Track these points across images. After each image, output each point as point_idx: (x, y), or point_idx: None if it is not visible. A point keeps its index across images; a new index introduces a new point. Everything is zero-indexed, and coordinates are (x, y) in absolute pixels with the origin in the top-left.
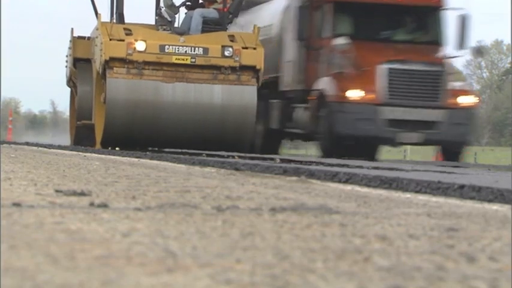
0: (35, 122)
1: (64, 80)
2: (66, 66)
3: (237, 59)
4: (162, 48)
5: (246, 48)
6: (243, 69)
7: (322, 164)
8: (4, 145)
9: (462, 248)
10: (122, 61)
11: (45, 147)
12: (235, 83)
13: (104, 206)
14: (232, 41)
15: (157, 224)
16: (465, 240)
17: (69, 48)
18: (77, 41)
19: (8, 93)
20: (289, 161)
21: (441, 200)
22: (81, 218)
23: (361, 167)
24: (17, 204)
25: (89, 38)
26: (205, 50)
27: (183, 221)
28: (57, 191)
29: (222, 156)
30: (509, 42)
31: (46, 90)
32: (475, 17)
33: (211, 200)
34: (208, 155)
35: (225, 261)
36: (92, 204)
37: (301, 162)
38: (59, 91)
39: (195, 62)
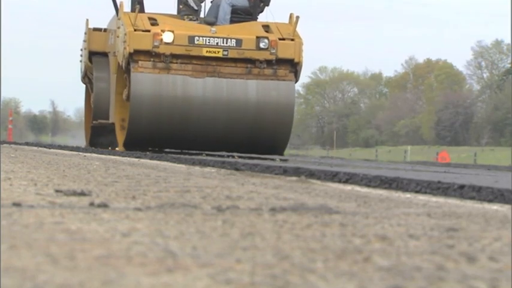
0: (35, 122)
1: (64, 80)
2: (80, 61)
3: (273, 51)
4: (191, 39)
5: (283, 39)
6: (279, 63)
7: (322, 164)
8: (4, 145)
9: (462, 248)
10: (148, 54)
11: (45, 147)
12: (271, 78)
13: (104, 206)
14: (267, 31)
15: (157, 224)
16: (465, 240)
17: (84, 41)
18: (92, 33)
19: (8, 93)
20: (289, 161)
21: (441, 200)
22: (81, 218)
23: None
24: (17, 204)
25: (105, 29)
26: (239, 42)
27: (183, 221)
28: (57, 191)
29: (222, 156)
30: (509, 42)
31: (46, 90)
32: (475, 16)
33: (211, 200)
34: (208, 155)
35: (225, 261)
36: (92, 204)
37: (301, 162)
38: (59, 91)
39: (227, 54)
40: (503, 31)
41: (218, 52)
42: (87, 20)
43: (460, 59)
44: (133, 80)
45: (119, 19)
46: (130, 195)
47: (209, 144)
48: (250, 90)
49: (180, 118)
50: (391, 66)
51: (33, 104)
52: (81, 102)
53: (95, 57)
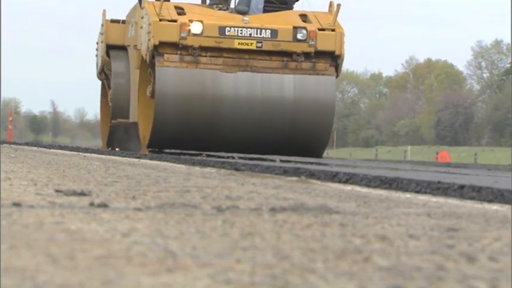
0: (35, 122)
1: (64, 80)
2: (96, 55)
3: (312, 43)
4: (222, 30)
5: (323, 29)
6: (319, 56)
7: (322, 164)
8: (4, 145)
9: (462, 248)
10: (174, 46)
11: (45, 147)
12: (310, 73)
13: (104, 206)
14: (304, 21)
15: (157, 224)
16: (465, 240)
17: (101, 33)
18: (110, 25)
19: (8, 93)
20: (289, 161)
21: (441, 200)
22: (81, 218)
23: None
24: (17, 204)
25: (123, 21)
26: (274, 33)
27: (183, 221)
28: (57, 191)
29: (222, 157)
30: (509, 42)
31: (46, 90)
32: (475, 16)
33: (211, 200)
34: (208, 156)
35: (225, 261)
36: (92, 204)
37: (301, 162)
38: (59, 91)
39: (261, 47)
40: (503, 31)
41: (251, 44)
42: (104, 10)
43: (460, 59)
44: (159, 75)
45: (142, 8)
46: (131, 195)
47: (241, 146)
48: (286, 86)
49: (210, 117)
50: (391, 66)
51: (33, 104)
52: (81, 103)
53: (112, 51)
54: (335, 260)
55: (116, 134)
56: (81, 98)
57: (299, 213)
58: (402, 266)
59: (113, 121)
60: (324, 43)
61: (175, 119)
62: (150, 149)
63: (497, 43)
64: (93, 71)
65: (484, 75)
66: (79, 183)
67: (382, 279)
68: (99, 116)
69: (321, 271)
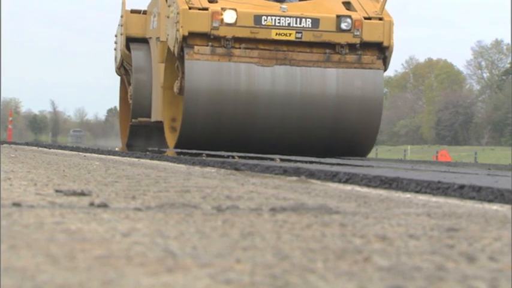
0: (35, 122)
1: (64, 80)
2: (115, 49)
3: (358, 33)
4: (257, 19)
5: (369, 18)
6: (365, 47)
7: (322, 164)
8: (4, 145)
9: (462, 248)
10: (205, 37)
11: (45, 147)
12: (355, 66)
13: (104, 206)
14: (349, 9)
15: (157, 224)
16: (465, 240)
17: (120, 25)
18: (130, 16)
19: (8, 93)
20: (289, 160)
21: (441, 200)
22: (81, 218)
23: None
24: (17, 204)
25: (145, 11)
26: (315, 22)
27: (183, 221)
28: (57, 191)
29: (222, 156)
30: (509, 42)
31: (46, 90)
32: (475, 16)
33: (211, 200)
34: (208, 155)
35: (225, 261)
36: (92, 204)
37: (301, 162)
38: (59, 91)
39: (301, 37)
40: (503, 31)
41: (290, 35)
42: (124, 0)
43: (460, 59)
44: (188, 69)
45: None
46: (131, 195)
47: (279, 147)
48: (329, 80)
49: (244, 115)
50: (391, 66)
51: (33, 104)
52: (81, 103)
53: (133, 44)
54: (335, 260)
55: (137, 133)
56: (81, 98)
57: (299, 213)
58: (402, 266)
59: (133, 120)
60: (370, 33)
61: (206, 117)
62: (176, 151)
63: (497, 43)
64: (93, 70)
65: (484, 75)
66: (79, 183)
67: (382, 279)
68: (99, 116)
69: (321, 271)
